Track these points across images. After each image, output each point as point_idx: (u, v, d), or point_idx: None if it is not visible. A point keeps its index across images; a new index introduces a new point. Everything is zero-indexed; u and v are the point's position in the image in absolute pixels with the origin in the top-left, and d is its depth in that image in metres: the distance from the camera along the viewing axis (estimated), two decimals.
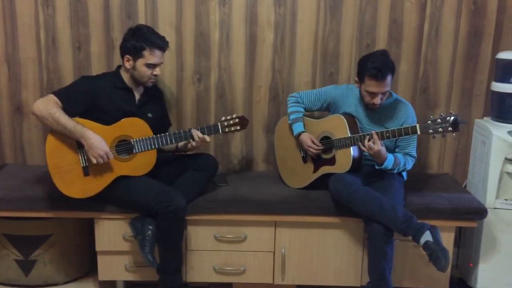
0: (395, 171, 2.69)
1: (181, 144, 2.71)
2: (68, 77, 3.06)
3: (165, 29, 3.02)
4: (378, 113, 2.71)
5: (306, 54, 3.06)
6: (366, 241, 2.66)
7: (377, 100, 2.57)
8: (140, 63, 2.59)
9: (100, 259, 2.78)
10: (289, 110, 2.88)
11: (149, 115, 2.74)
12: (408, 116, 2.68)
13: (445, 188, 2.95)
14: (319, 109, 2.89)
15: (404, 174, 2.84)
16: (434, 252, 2.37)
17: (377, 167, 2.65)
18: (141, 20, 3.01)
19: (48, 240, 2.89)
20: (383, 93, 2.57)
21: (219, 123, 2.69)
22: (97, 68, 3.07)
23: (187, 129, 2.64)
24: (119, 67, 2.71)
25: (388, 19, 3.02)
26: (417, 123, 2.50)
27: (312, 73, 3.09)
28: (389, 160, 2.60)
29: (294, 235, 2.75)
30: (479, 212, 2.69)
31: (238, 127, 2.74)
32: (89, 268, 3.04)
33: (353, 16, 3.01)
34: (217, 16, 3.01)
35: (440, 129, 2.36)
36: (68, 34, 3.04)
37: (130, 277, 2.78)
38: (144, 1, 3.00)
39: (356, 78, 2.64)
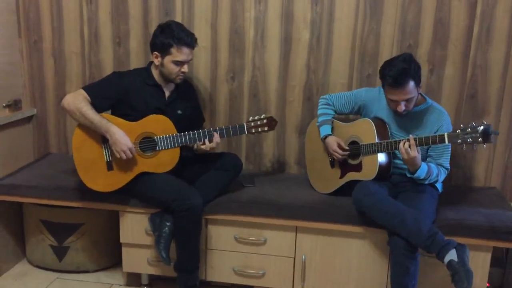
0: (427, 182, 2.50)
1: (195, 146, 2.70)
2: (108, 72, 3.10)
3: (200, 26, 3.01)
4: (409, 119, 2.53)
5: (343, 54, 2.93)
6: (390, 255, 2.50)
7: (401, 108, 2.40)
8: (167, 60, 2.59)
9: (124, 251, 2.84)
10: (319, 112, 2.78)
11: (179, 112, 2.74)
12: (441, 124, 2.48)
13: (487, 204, 2.71)
14: (350, 112, 2.76)
15: (439, 186, 2.64)
16: (457, 273, 2.18)
17: (408, 175, 2.48)
18: (178, 17, 3.02)
19: (80, 228, 2.99)
20: (407, 100, 2.40)
21: (245, 124, 2.64)
22: (135, 63, 3.12)
23: (211, 129, 2.61)
24: (150, 63, 2.73)
25: (433, 18, 2.82)
26: None
27: (349, 74, 2.95)
28: (423, 169, 2.42)
29: (316, 242, 2.65)
30: None
31: (266, 128, 2.67)
32: (118, 258, 3.10)
33: (394, 15, 2.84)
34: (253, 13, 2.96)
35: (469, 140, 2.15)
36: (109, 30, 3.12)
37: (152, 270, 2.81)
38: None
39: (382, 84, 2.49)
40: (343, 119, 2.80)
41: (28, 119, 3.30)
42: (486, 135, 2.11)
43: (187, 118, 2.79)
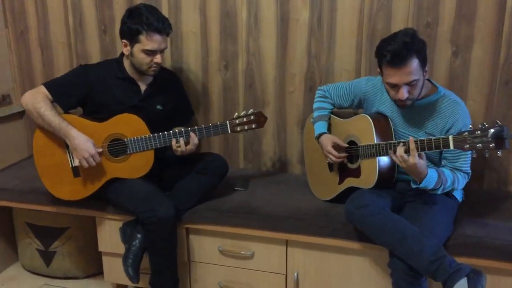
0: (439, 192, 2.03)
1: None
2: (96, 61, 2.87)
3: (188, 9, 2.69)
4: (417, 113, 2.08)
5: (348, 36, 2.50)
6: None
7: (402, 95, 1.95)
8: (137, 49, 2.27)
9: (105, 260, 2.61)
10: (314, 106, 2.38)
11: (158, 107, 2.44)
12: (456, 119, 2.01)
13: None
14: (350, 106, 2.33)
15: (459, 194, 2.17)
16: None
17: (413, 186, 2.01)
18: (164, 0, 2.70)
19: (65, 232, 2.79)
20: (410, 84, 1.94)
21: (227, 122, 2.28)
22: None
23: (189, 128, 2.28)
24: (122, 53, 2.43)
25: None
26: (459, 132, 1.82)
27: (356, 60, 2.52)
28: (431, 177, 1.95)
29: (310, 257, 2.28)
30: None
31: (253, 125, 2.31)
32: None
33: None
34: None
35: (479, 145, 1.69)
36: (94, 17, 2.86)
37: None
38: None
39: (378, 69, 2.04)
40: (339, 114, 2.38)
41: (20, 114, 3.13)
42: (499, 140, 1.63)
43: (169, 113, 2.48)
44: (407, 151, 1.88)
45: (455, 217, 2.12)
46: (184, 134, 2.28)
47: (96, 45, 2.89)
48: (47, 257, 2.85)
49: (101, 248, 2.57)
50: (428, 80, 2.09)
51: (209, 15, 2.66)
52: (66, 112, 2.34)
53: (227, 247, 2.37)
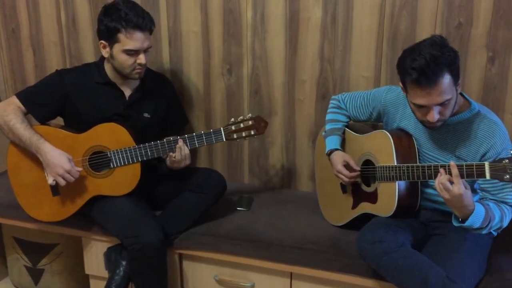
0: (485, 232, 1.68)
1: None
2: (90, 61, 2.64)
3: (189, 7, 2.42)
4: (446, 133, 1.77)
5: (366, 37, 2.20)
6: None
7: (433, 117, 1.64)
8: (117, 49, 2.03)
9: (93, 284, 2.38)
10: (327, 117, 2.09)
11: (146, 115, 2.19)
12: (494, 142, 1.68)
13: None
14: (368, 120, 2.03)
15: None
16: None
17: (455, 224, 1.67)
18: None
19: (54, 249, 2.57)
20: (441, 105, 1.63)
21: (222, 129, 2.02)
22: None
23: (178, 137, 2.02)
24: (103, 56, 2.16)
25: None
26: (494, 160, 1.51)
27: (375, 65, 2.21)
28: (479, 213, 1.61)
29: None
30: None
31: (252, 132, 2.04)
32: None
33: None
34: None
35: None
36: (88, 14, 2.61)
37: None
38: None
39: (401, 84, 1.73)
40: (354, 128, 2.08)
41: None
42: None
43: (159, 121, 2.23)
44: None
45: (488, 256, 1.80)
46: (172, 143, 2.01)
47: (89, 44, 2.65)
48: (35, 274, 2.63)
49: (87, 270, 2.35)
50: (461, 94, 1.77)
51: (211, 13, 2.39)
52: (42, 123, 2.11)
53: (224, 277, 2.11)
